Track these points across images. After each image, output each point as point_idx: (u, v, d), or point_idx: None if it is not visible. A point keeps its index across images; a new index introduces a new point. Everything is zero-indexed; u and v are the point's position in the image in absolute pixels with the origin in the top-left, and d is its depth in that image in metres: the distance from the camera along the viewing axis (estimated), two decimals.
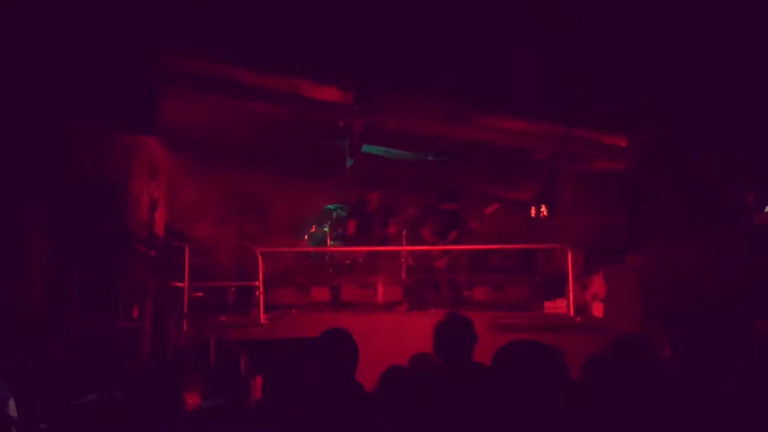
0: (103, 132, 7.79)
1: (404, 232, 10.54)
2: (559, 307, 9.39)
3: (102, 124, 7.57)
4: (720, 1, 6.76)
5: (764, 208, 6.17)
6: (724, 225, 6.71)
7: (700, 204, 7.07)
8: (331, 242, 11.32)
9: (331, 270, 10.16)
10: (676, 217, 7.42)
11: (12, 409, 3.80)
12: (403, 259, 9.95)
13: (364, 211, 10.22)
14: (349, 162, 11.29)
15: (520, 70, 8.24)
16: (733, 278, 6.39)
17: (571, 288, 9.07)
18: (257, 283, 8.86)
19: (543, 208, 11.83)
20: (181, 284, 8.58)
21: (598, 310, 9.05)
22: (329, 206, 11.84)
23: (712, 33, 6.65)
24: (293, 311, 9.27)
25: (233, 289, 9.51)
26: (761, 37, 6.34)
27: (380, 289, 9.49)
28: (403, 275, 9.76)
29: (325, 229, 11.55)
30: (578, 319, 8.93)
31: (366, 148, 11.08)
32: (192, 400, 5.84)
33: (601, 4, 7.52)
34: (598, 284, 9.11)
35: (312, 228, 11.73)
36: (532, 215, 11.87)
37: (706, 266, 6.75)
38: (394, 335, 8.51)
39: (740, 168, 6.69)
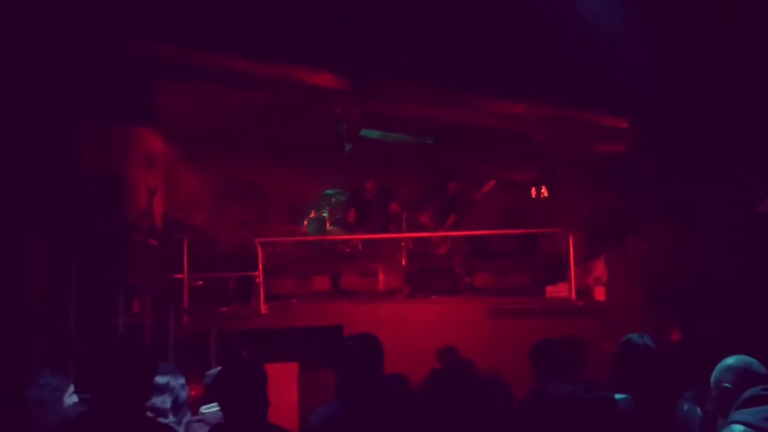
0: (99, 124, 7.74)
1: (404, 215, 10.51)
2: (561, 291, 9.35)
3: (97, 116, 7.51)
4: None
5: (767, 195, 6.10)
6: (726, 211, 6.65)
7: (703, 189, 7.00)
8: (331, 227, 11.26)
9: (331, 258, 10.08)
10: (678, 202, 7.36)
11: (70, 397, 3.72)
12: (403, 244, 9.89)
13: (361, 198, 10.19)
14: (348, 147, 11.20)
15: (517, 53, 8.13)
16: (733, 263, 6.34)
17: (572, 272, 9.02)
18: (257, 273, 8.81)
19: (543, 189, 11.77)
20: (181, 276, 8.53)
21: (600, 294, 9.02)
22: (328, 191, 11.75)
23: (716, 16, 6.54)
24: (294, 300, 9.24)
25: (234, 278, 9.45)
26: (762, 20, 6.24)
27: (381, 277, 9.46)
28: (404, 262, 9.70)
29: (325, 214, 11.47)
30: (580, 303, 8.88)
31: (364, 132, 11.00)
32: (195, 391, 5.82)
33: None
34: (600, 268, 9.07)
35: (311, 213, 11.65)
36: (533, 196, 11.81)
37: (707, 251, 6.70)
38: (396, 323, 8.50)
39: (744, 154, 6.61)
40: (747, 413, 3.42)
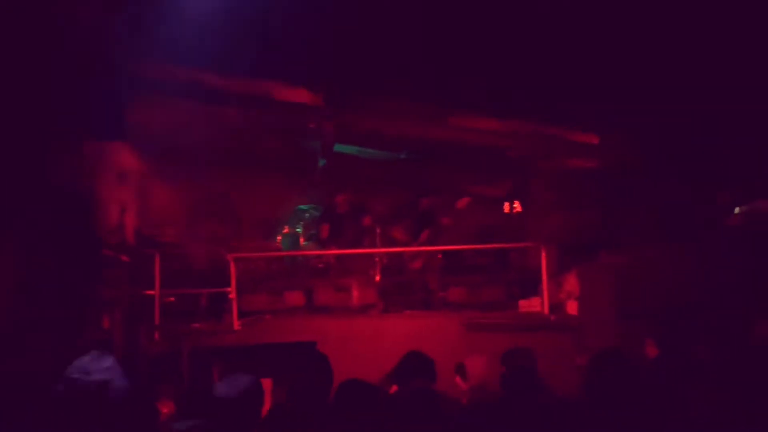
0: (70, 139, 7.66)
1: (378, 230, 10.51)
2: (534, 305, 9.38)
3: (70, 131, 7.44)
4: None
5: (734, 209, 6.18)
6: (696, 226, 6.74)
7: (672, 204, 7.09)
8: (305, 243, 11.23)
9: (304, 273, 10.04)
10: (649, 217, 7.44)
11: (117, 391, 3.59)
12: (377, 259, 9.89)
13: (334, 213, 10.18)
14: (321, 162, 11.19)
15: (490, 70, 8.22)
16: (706, 278, 6.41)
17: (545, 286, 9.06)
18: (229, 290, 8.75)
19: (516, 204, 11.84)
20: (152, 292, 8.44)
21: (572, 308, 9.07)
22: (302, 207, 11.72)
23: (686, 34, 6.65)
24: (267, 316, 9.18)
25: (206, 294, 9.38)
26: (734, 39, 6.35)
27: (355, 293, 9.43)
28: (378, 277, 9.69)
29: (298, 230, 11.44)
30: (553, 317, 8.93)
31: (338, 147, 11.01)
32: (166, 408, 5.75)
33: (576, 6, 7.49)
34: (572, 282, 9.11)
35: (285, 229, 11.61)
36: (506, 211, 11.88)
37: (678, 267, 6.77)
38: (370, 338, 8.49)
39: (713, 169, 6.71)
40: None
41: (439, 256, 9.98)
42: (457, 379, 6.17)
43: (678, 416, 3.90)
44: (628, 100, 7.43)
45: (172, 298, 9.05)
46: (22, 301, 6.39)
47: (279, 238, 11.44)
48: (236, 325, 8.64)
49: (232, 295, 8.75)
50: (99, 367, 3.17)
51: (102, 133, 8.05)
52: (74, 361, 3.19)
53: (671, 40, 6.77)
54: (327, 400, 3.84)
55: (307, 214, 11.59)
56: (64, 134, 7.43)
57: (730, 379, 4.00)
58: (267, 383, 8.07)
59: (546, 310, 9.00)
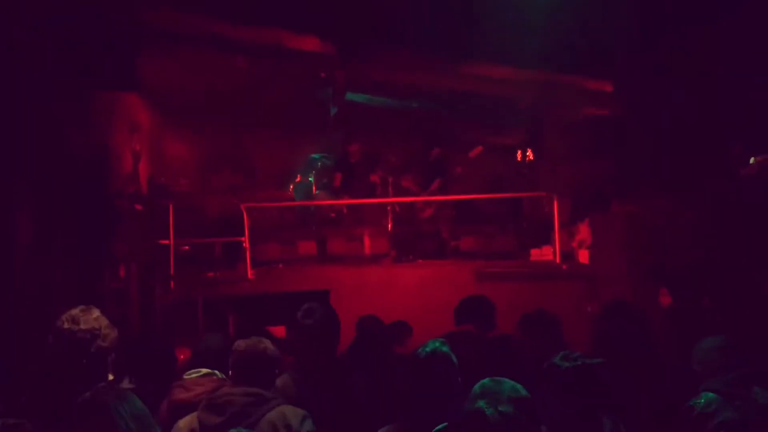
0: (82, 90, 7.65)
1: (390, 180, 10.51)
2: (546, 254, 9.42)
3: (81, 82, 7.43)
4: None
5: (749, 159, 6.13)
6: (710, 176, 6.70)
7: (686, 154, 7.04)
8: (317, 192, 11.25)
9: (317, 223, 10.10)
10: (663, 166, 7.40)
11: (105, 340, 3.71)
12: (389, 208, 9.92)
13: (347, 162, 10.17)
14: (333, 110, 11.15)
15: (500, 17, 8.09)
16: (719, 229, 6.40)
17: (557, 235, 9.09)
18: (243, 239, 8.82)
19: (529, 153, 11.80)
20: (167, 242, 8.53)
21: (584, 257, 9.10)
22: (314, 156, 11.72)
23: None
24: (280, 266, 9.27)
25: (220, 243, 9.47)
26: None
27: (367, 242, 9.48)
28: (390, 226, 9.73)
29: (311, 179, 11.46)
30: (564, 266, 8.97)
31: (350, 96, 10.95)
32: (182, 355, 5.87)
33: None
34: (584, 231, 9.13)
35: (297, 178, 11.63)
36: (518, 160, 11.85)
37: (691, 217, 6.75)
38: (382, 287, 8.57)
39: (728, 117, 6.64)
40: (716, 382, 3.60)
41: (451, 205, 10.00)
42: None
43: (687, 365, 3.95)
44: (641, 47, 7.32)
45: (187, 248, 9.15)
46: (39, 253, 6.46)
47: (291, 187, 11.48)
48: (250, 274, 8.72)
49: (246, 245, 8.82)
50: (88, 317, 3.33)
51: (114, 84, 8.03)
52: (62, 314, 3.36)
53: None
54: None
55: (319, 163, 11.58)
56: (76, 85, 7.43)
57: (734, 330, 4.06)
58: (280, 331, 8.27)
59: (558, 259, 9.04)
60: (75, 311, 3.34)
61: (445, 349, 3.32)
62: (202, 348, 4.09)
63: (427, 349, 3.32)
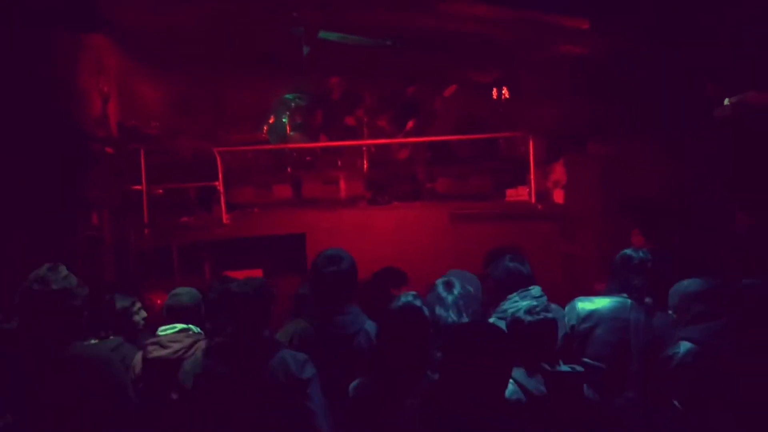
0: (45, 31, 7.41)
1: (365, 120, 10.40)
2: (521, 194, 9.46)
3: (44, 23, 7.19)
4: None
5: (723, 100, 6.11)
6: (685, 117, 6.68)
7: (662, 95, 7.01)
8: (291, 133, 11.11)
9: (292, 166, 9.98)
10: (638, 107, 7.37)
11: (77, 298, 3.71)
12: (364, 149, 9.83)
13: (328, 99, 9.97)
14: (306, 50, 10.91)
15: None
16: (692, 170, 6.43)
17: (532, 176, 9.11)
18: (217, 183, 8.73)
19: (504, 91, 11.69)
20: (139, 187, 8.42)
21: (559, 197, 9.14)
22: (287, 96, 11.52)
23: None
24: (256, 210, 9.21)
25: (193, 188, 9.34)
26: None
27: (342, 185, 9.43)
28: (365, 168, 9.67)
29: (284, 120, 11.29)
30: (540, 206, 9.01)
31: (322, 34, 10.70)
32: (159, 300, 5.86)
33: None
34: (559, 172, 9.15)
35: (271, 119, 11.45)
36: (494, 98, 11.74)
37: (664, 158, 6.77)
38: (358, 230, 8.57)
39: (704, 58, 6.59)
40: (695, 330, 3.58)
41: (427, 146, 9.93)
42: None
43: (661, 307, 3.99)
44: None
45: (160, 192, 9.03)
46: (9, 200, 6.35)
47: (265, 129, 11.31)
48: (225, 218, 8.67)
49: (220, 189, 8.73)
50: (57, 277, 3.31)
51: (78, 24, 7.80)
52: (30, 274, 3.32)
53: None
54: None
55: (293, 104, 11.40)
56: (39, 27, 7.19)
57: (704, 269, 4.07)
58: (257, 274, 8.26)
59: (533, 199, 9.08)
60: (43, 271, 3.29)
61: (417, 303, 3.35)
62: (174, 303, 4.07)
63: (400, 303, 3.35)
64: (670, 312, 3.80)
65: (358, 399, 3.25)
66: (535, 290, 3.80)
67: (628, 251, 4.06)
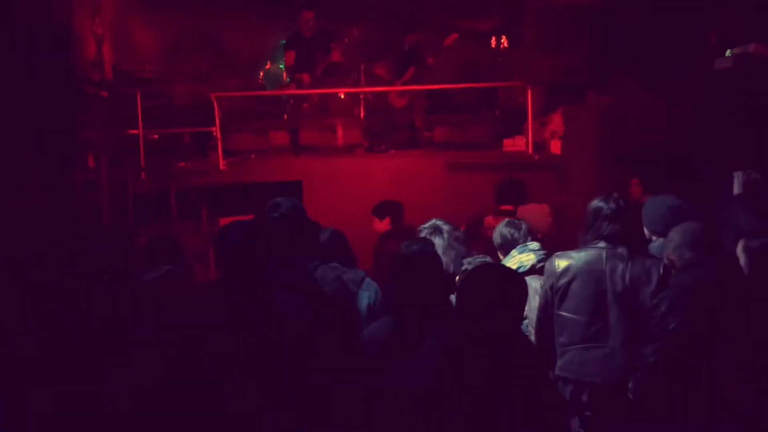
0: None
1: (362, 66, 10.29)
2: (518, 144, 9.43)
3: None
4: None
5: (725, 52, 6.06)
6: (686, 68, 6.64)
7: (663, 46, 6.95)
8: (288, 79, 11.00)
9: (288, 112, 9.87)
10: (638, 58, 7.32)
11: None
12: (362, 96, 9.75)
13: (300, 36, 9.49)
14: None
15: None
16: (692, 122, 6.40)
17: (530, 125, 9.07)
18: (214, 129, 8.68)
19: (504, 40, 11.60)
20: (136, 131, 8.37)
21: (556, 147, 9.12)
22: (283, 42, 11.38)
23: None
24: (252, 156, 9.18)
25: (190, 132, 9.28)
26: None
27: (340, 132, 9.38)
28: (362, 115, 9.61)
29: (281, 66, 11.17)
30: (537, 156, 9.00)
31: None
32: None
33: None
34: (556, 122, 9.11)
35: (267, 65, 11.34)
36: (493, 46, 11.65)
37: (664, 109, 6.73)
38: (354, 178, 8.57)
39: (706, 8, 6.52)
40: (686, 277, 3.63)
41: (425, 94, 9.85)
42: None
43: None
44: None
45: (156, 137, 8.98)
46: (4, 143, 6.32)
47: (261, 74, 11.21)
48: (222, 164, 8.65)
49: (217, 135, 8.69)
50: None
51: None
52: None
53: None
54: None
55: None
56: None
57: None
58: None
59: (530, 150, 9.06)
60: None
61: (429, 248, 3.41)
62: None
63: (412, 246, 3.41)
64: (665, 260, 3.83)
65: (373, 343, 3.29)
66: (533, 245, 3.82)
67: (598, 201, 4.05)
